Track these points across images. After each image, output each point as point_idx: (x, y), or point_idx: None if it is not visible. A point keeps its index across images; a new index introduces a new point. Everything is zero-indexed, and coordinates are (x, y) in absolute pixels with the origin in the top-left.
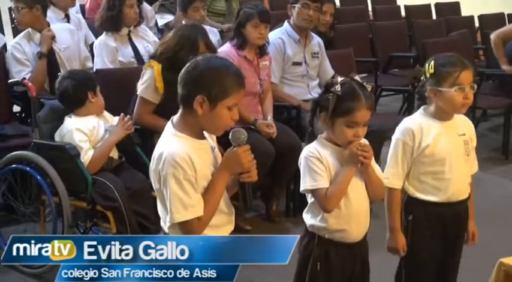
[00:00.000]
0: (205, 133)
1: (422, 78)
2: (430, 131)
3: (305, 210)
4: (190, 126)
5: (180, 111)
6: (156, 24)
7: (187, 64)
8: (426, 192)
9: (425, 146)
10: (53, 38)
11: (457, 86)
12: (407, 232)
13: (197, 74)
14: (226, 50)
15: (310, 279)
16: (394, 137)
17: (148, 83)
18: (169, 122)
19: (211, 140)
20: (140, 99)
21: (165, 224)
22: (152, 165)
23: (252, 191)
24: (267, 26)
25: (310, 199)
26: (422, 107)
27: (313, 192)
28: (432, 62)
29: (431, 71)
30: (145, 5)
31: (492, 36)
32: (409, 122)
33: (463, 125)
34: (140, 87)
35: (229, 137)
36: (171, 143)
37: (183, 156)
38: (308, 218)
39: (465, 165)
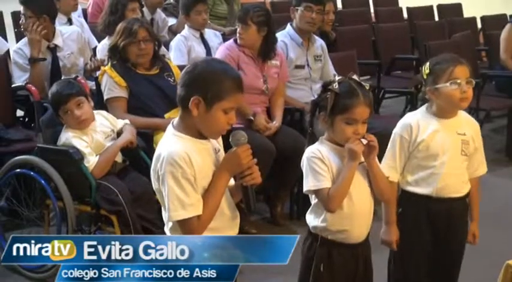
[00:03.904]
0: None
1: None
2: (427, 127)
3: (308, 211)
4: (189, 127)
5: (179, 112)
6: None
7: (187, 66)
8: (416, 185)
9: (421, 141)
10: (57, 46)
11: (452, 80)
12: (397, 225)
13: (195, 75)
14: (228, 42)
15: (314, 280)
16: (394, 132)
17: (108, 85)
18: (170, 124)
19: (216, 142)
20: (110, 102)
21: (166, 226)
22: (152, 166)
23: (254, 194)
24: (244, 27)
25: (313, 200)
26: (425, 104)
27: (316, 192)
28: (427, 64)
29: (427, 71)
30: (159, 12)
31: (502, 56)
32: (408, 118)
33: (465, 125)
34: (104, 93)
35: (230, 139)
36: (171, 142)
37: (181, 155)
38: (311, 219)
39: (460, 164)
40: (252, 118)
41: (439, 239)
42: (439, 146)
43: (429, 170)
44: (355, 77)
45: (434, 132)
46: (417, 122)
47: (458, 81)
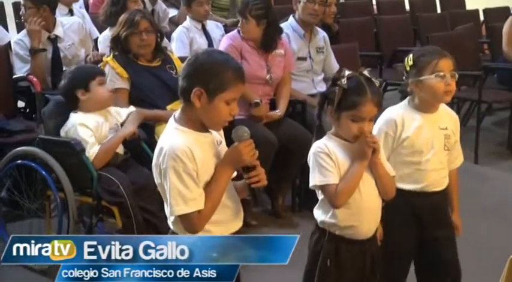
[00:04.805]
0: None
1: (404, 74)
2: (412, 123)
3: (316, 207)
4: (191, 120)
5: (181, 105)
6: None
7: (188, 57)
8: (400, 181)
9: (405, 138)
10: (57, 37)
11: (437, 72)
12: (381, 219)
13: (196, 66)
14: (232, 33)
15: (320, 275)
16: (376, 126)
17: (110, 76)
18: (172, 117)
19: (217, 134)
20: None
21: (169, 219)
22: (154, 160)
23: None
24: (244, 21)
25: (320, 195)
26: (407, 98)
27: (323, 188)
28: (410, 55)
29: (411, 63)
30: (160, 3)
31: (504, 49)
32: (392, 113)
33: (446, 119)
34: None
35: (232, 135)
36: (172, 136)
37: (183, 149)
38: (319, 214)
39: (442, 158)
40: (258, 101)
41: (426, 234)
42: (423, 142)
43: (414, 166)
44: (366, 72)
45: (419, 129)
46: (402, 117)
47: (443, 73)
